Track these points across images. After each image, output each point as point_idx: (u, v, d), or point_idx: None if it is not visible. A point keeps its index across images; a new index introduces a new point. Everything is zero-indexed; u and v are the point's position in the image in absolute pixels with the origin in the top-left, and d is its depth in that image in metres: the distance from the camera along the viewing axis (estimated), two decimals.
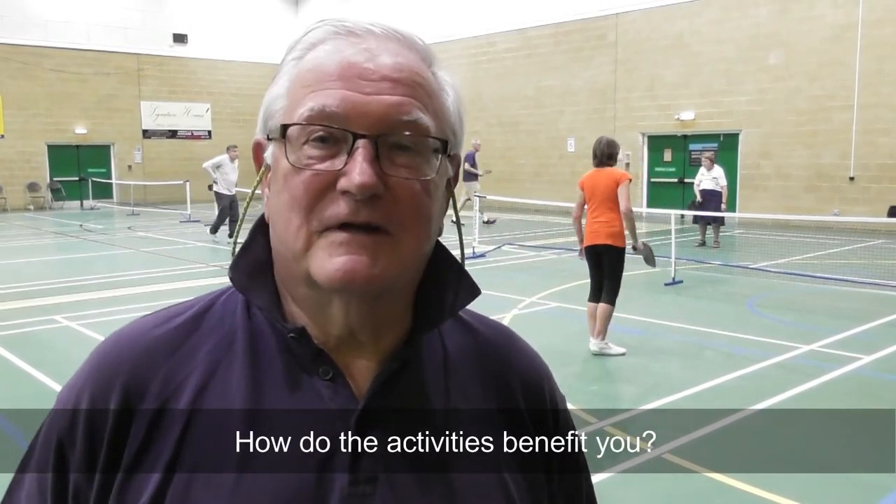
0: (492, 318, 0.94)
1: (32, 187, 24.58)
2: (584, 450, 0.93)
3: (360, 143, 0.70)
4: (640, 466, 4.24)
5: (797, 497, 3.88)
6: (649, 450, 4.46)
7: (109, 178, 25.86)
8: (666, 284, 9.80)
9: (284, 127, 0.72)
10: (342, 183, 0.70)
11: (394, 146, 0.71)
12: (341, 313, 0.75)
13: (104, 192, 25.94)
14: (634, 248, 6.58)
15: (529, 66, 21.70)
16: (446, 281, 0.81)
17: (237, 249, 0.82)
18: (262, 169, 0.80)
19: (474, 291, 0.82)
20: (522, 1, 22.19)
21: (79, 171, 25.56)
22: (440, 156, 0.75)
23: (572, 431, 0.90)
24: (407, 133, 0.72)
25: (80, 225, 18.93)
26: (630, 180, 6.33)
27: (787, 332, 7.37)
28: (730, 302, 9.02)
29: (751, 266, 11.17)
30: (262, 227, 0.81)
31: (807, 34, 16.76)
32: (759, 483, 4.03)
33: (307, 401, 0.75)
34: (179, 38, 27.15)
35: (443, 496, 0.76)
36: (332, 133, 0.71)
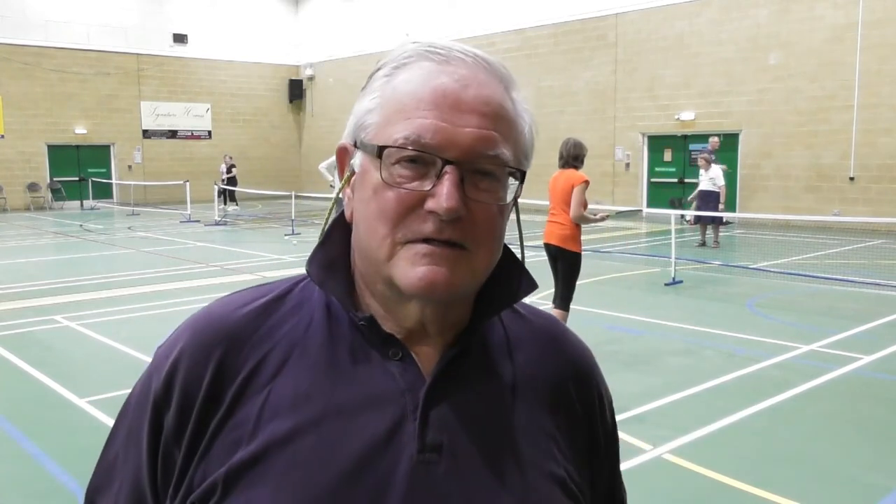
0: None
1: (32, 187, 24.59)
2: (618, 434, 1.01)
3: (448, 168, 0.76)
4: (640, 466, 4.25)
5: (797, 497, 3.88)
6: (649, 449, 4.47)
7: (109, 178, 25.88)
8: (666, 284, 9.80)
9: (381, 147, 0.78)
10: (430, 204, 0.76)
11: (476, 172, 0.78)
12: (416, 313, 0.83)
13: (104, 192, 25.96)
14: (604, 218, 6.49)
15: (529, 67, 21.70)
16: (508, 276, 0.88)
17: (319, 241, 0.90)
18: (348, 174, 0.86)
19: (532, 285, 0.89)
20: (522, 1, 22.20)
21: (79, 172, 25.57)
22: (517, 182, 0.82)
23: (613, 411, 0.99)
24: (489, 164, 0.79)
25: (81, 225, 18.94)
26: (587, 183, 6.09)
27: (787, 332, 7.37)
28: (730, 302, 9.02)
29: (751, 266, 11.17)
30: (340, 224, 0.88)
31: (807, 34, 16.76)
32: (759, 483, 4.03)
33: (379, 378, 0.82)
34: (179, 38, 27.16)
35: (503, 467, 0.82)
36: (423, 157, 0.77)
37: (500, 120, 0.80)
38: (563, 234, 6.13)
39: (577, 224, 6.11)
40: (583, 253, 6.31)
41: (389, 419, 0.80)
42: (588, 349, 0.98)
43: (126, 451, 0.87)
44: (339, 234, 0.88)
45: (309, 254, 0.87)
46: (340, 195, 0.88)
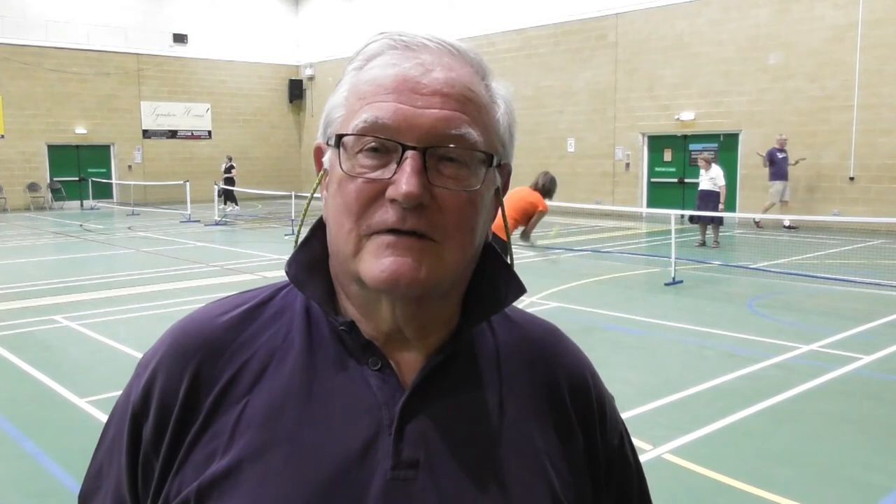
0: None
1: (32, 187, 24.58)
2: (632, 442, 0.96)
3: (409, 154, 0.73)
4: None
5: (797, 497, 3.88)
6: (649, 449, 4.47)
7: (109, 178, 25.87)
8: (666, 284, 9.80)
9: (339, 136, 0.76)
10: (390, 191, 0.73)
11: (442, 158, 0.75)
12: (388, 312, 0.79)
13: (104, 192, 25.95)
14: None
15: (529, 67, 21.70)
16: (494, 280, 0.85)
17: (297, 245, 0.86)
18: (321, 172, 0.83)
19: (521, 289, 0.85)
20: (522, 1, 22.19)
21: (79, 172, 25.56)
22: (487, 168, 0.77)
23: (620, 429, 0.93)
24: (454, 146, 0.75)
25: (80, 225, 18.93)
26: (545, 212, 6.99)
27: (787, 332, 7.37)
28: (730, 302, 9.01)
29: (751, 266, 11.17)
30: (320, 226, 0.85)
31: (807, 34, 16.75)
32: (759, 483, 4.03)
33: (357, 389, 0.79)
34: (179, 38, 27.15)
35: (483, 484, 0.78)
36: (384, 144, 0.74)
37: (467, 102, 0.76)
38: (497, 223, 6.68)
39: (514, 225, 6.87)
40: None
41: (365, 433, 0.77)
42: (587, 360, 0.93)
43: (109, 459, 0.86)
44: (321, 235, 0.85)
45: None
46: (318, 194, 0.86)
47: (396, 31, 0.79)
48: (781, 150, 15.93)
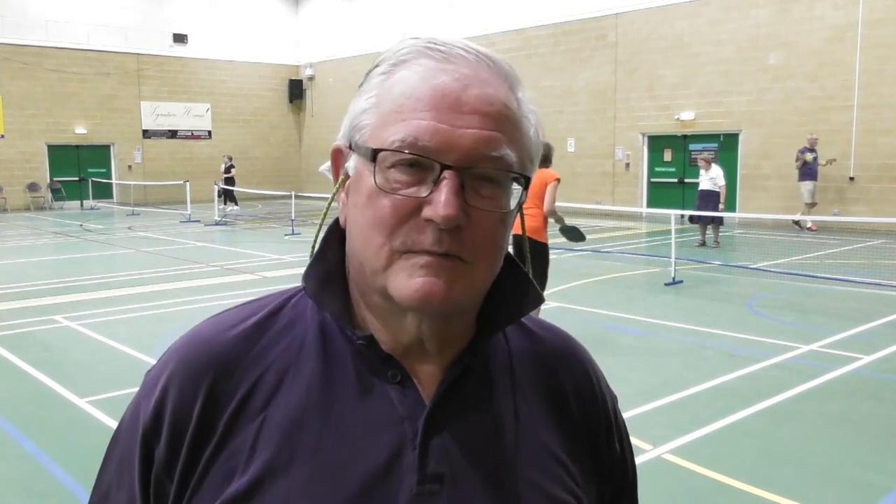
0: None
1: (32, 187, 24.58)
2: (631, 447, 0.97)
3: (447, 174, 0.71)
4: (640, 466, 4.23)
5: (797, 497, 3.88)
6: (649, 449, 4.47)
7: (109, 178, 25.88)
8: (666, 284, 9.80)
9: (375, 151, 0.73)
10: (427, 212, 0.71)
11: (478, 177, 0.73)
12: (413, 326, 0.78)
13: (104, 192, 25.96)
14: (561, 229, 6.95)
15: (529, 67, 21.68)
16: (512, 290, 0.84)
17: (313, 254, 0.84)
18: (342, 178, 0.81)
19: (539, 299, 0.84)
20: (522, 1, 22.19)
21: (79, 172, 25.57)
22: (519, 187, 0.77)
23: (622, 434, 0.94)
24: (491, 167, 0.74)
25: (81, 225, 18.94)
26: (558, 180, 6.62)
27: (787, 332, 7.37)
28: (730, 302, 9.01)
29: (751, 266, 11.17)
30: (336, 233, 0.83)
31: (807, 34, 16.75)
32: (759, 483, 4.03)
33: (377, 403, 0.78)
34: (179, 38, 27.16)
35: (508, 495, 0.79)
36: (421, 161, 0.72)
37: (504, 120, 0.75)
38: (533, 226, 6.46)
39: (545, 217, 6.55)
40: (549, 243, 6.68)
41: (388, 448, 0.76)
42: (597, 370, 0.93)
43: (119, 480, 0.83)
44: (335, 242, 0.83)
45: (307, 255, 0.84)
46: (335, 202, 0.83)
47: (428, 37, 0.77)
48: (812, 150, 15.82)
